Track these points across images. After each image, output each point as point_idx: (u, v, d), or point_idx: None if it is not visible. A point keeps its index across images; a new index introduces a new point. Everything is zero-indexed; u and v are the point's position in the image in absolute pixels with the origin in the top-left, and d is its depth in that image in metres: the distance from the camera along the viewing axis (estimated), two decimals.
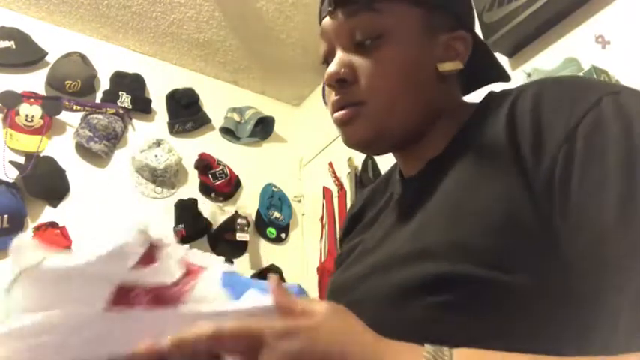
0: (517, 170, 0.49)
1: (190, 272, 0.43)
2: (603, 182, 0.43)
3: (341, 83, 0.60)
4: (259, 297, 0.41)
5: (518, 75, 1.56)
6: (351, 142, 0.62)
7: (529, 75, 1.44)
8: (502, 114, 0.53)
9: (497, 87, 0.63)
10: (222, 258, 0.48)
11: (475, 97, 0.66)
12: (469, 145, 0.56)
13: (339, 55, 0.61)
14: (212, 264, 0.45)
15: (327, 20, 0.62)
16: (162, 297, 0.41)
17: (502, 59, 1.65)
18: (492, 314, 0.47)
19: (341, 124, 0.61)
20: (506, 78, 0.69)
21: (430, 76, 0.60)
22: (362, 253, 0.65)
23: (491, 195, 0.50)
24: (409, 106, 0.59)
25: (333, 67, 0.60)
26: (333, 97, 0.61)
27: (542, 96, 0.51)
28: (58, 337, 0.38)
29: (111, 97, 2.30)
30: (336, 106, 0.61)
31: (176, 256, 0.44)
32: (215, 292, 0.42)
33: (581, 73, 1.30)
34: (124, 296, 0.40)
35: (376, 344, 0.40)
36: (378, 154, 0.67)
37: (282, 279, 2.35)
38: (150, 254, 0.43)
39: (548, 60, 1.50)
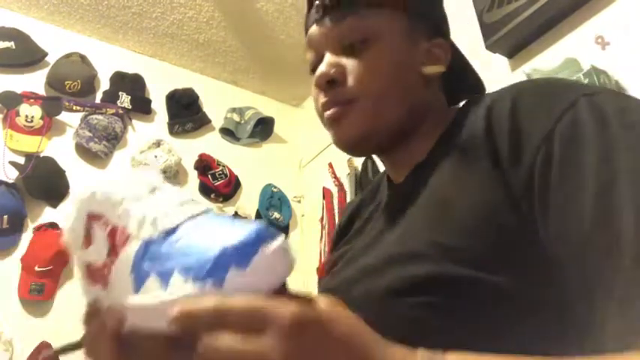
0: (496, 174, 0.49)
1: (113, 249, 0.37)
2: (580, 186, 0.43)
3: (330, 84, 0.61)
4: (181, 286, 0.32)
5: (519, 76, 1.56)
6: (341, 142, 0.63)
7: (529, 76, 1.44)
8: (480, 118, 0.54)
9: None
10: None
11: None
12: (450, 148, 0.57)
13: (328, 57, 0.62)
14: (140, 229, 0.36)
15: (314, 29, 0.66)
16: (94, 276, 0.38)
17: (502, 60, 1.65)
18: (479, 315, 0.47)
19: (331, 122, 0.62)
20: (481, 89, 0.70)
21: (415, 78, 0.62)
22: (351, 258, 0.65)
23: (470, 198, 0.51)
24: (396, 107, 0.61)
25: (322, 67, 0.61)
26: (322, 98, 0.63)
27: (520, 99, 0.51)
28: None
29: (111, 97, 2.31)
30: (326, 106, 0.62)
31: (106, 226, 0.38)
32: (124, 281, 0.35)
33: (580, 74, 1.30)
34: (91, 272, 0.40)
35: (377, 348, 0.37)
36: (364, 155, 0.68)
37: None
38: (89, 232, 0.39)
39: (548, 61, 1.50)
